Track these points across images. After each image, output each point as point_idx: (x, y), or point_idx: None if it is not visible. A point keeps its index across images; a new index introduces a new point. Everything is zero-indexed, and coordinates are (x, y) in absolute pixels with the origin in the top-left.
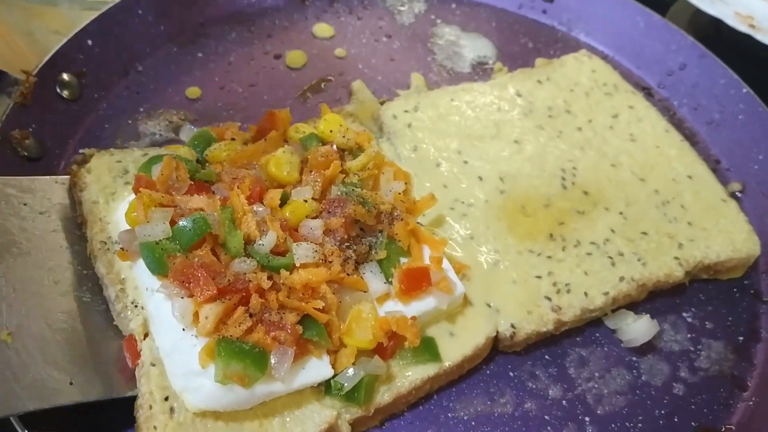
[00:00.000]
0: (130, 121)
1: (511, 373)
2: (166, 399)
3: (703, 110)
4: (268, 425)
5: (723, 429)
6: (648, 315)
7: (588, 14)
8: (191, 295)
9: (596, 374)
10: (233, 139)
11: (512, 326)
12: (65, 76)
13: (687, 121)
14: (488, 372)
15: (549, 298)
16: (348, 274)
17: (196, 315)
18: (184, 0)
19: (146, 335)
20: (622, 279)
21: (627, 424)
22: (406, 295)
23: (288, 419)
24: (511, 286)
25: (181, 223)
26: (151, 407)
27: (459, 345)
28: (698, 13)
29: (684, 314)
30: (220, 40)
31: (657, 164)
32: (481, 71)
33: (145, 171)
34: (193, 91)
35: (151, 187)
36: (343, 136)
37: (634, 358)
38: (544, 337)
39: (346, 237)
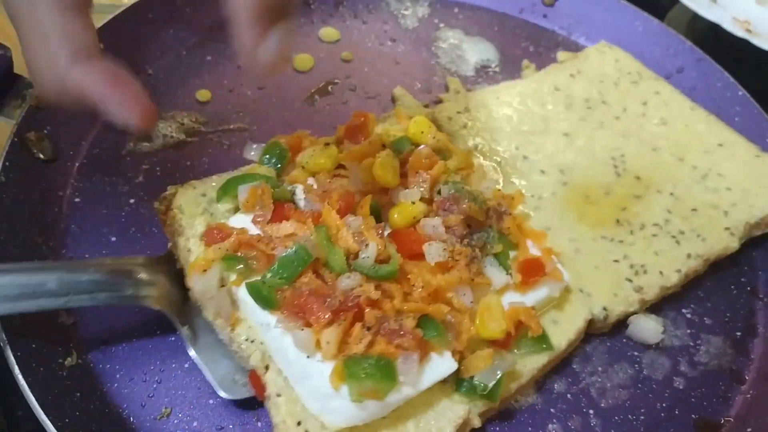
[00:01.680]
0: None
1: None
2: (299, 424)
3: None
4: (402, 428)
5: (722, 421)
6: (654, 315)
7: (588, 19)
8: (308, 324)
9: (599, 369)
10: (327, 144)
11: (604, 309)
12: None
13: None
14: None
15: (630, 280)
16: (473, 273)
17: (317, 341)
18: (193, 4)
19: (267, 367)
20: (689, 256)
21: (630, 416)
22: (525, 285)
23: (421, 419)
24: (594, 271)
25: (283, 255)
26: None
27: (563, 331)
28: (696, 17)
29: (684, 310)
30: (229, 43)
31: (690, 142)
32: (484, 74)
33: (228, 199)
34: (203, 94)
35: (224, 236)
36: (433, 137)
37: (636, 353)
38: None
39: (465, 233)
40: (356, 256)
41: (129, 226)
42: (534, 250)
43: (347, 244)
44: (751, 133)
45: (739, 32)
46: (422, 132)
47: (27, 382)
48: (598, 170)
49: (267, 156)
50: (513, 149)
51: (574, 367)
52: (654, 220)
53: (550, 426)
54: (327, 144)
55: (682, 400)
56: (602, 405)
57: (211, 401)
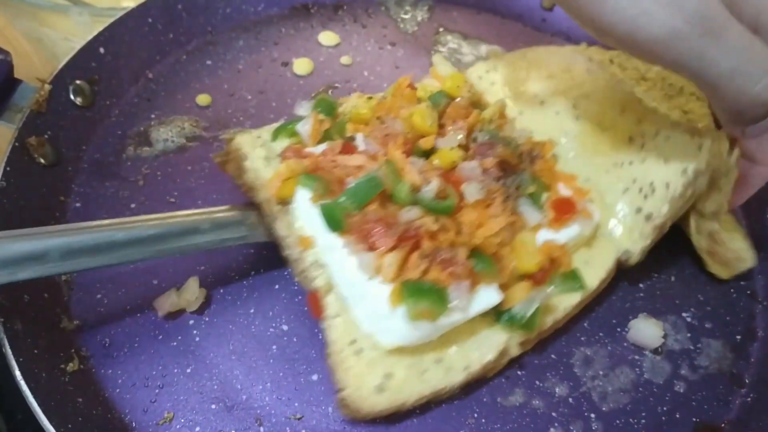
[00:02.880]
0: (142, 128)
1: (518, 372)
2: (353, 342)
3: None
4: (446, 353)
5: (722, 424)
6: (654, 319)
7: None
8: (372, 248)
9: (601, 373)
10: (370, 97)
11: (626, 251)
12: (79, 84)
13: None
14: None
15: (639, 210)
16: (508, 211)
17: (378, 264)
18: (193, 8)
19: (328, 290)
20: (700, 148)
21: (631, 420)
22: (557, 222)
23: (465, 345)
24: (610, 210)
25: (356, 182)
26: (341, 352)
27: (595, 270)
28: None
29: (684, 314)
30: (228, 47)
31: None
32: None
33: (284, 135)
34: (203, 98)
35: (301, 156)
36: (469, 91)
37: (637, 357)
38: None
39: (501, 175)
40: (418, 191)
41: None
42: (565, 191)
43: (412, 178)
44: None
45: None
46: (458, 86)
47: (29, 388)
48: (615, 86)
49: (318, 108)
50: (532, 97)
51: (576, 371)
52: (674, 117)
53: (551, 430)
54: (370, 98)
55: (682, 403)
56: (603, 409)
57: (213, 406)
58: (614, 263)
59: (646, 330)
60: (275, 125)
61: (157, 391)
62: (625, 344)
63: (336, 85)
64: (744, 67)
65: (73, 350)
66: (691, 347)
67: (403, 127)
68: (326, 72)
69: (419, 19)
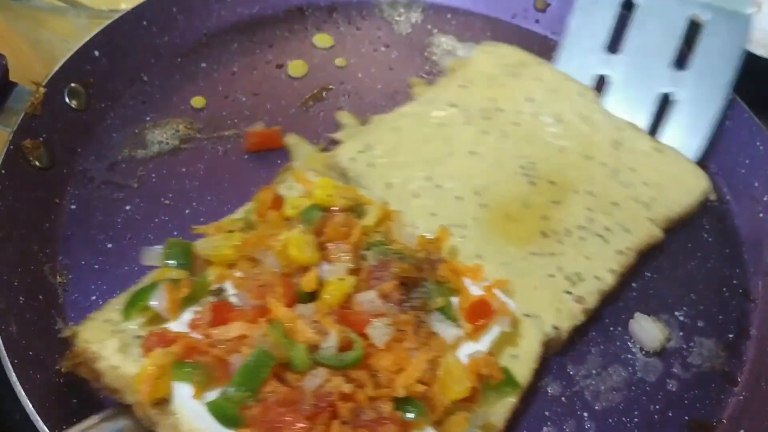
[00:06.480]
0: (137, 131)
1: None
2: None
3: None
4: None
5: (714, 423)
6: (662, 325)
7: None
8: None
9: (593, 372)
10: (230, 231)
11: (555, 327)
12: (74, 86)
13: None
14: None
15: (569, 292)
16: (423, 338)
17: None
18: (187, 11)
19: None
20: (619, 252)
21: (624, 419)
22: (477, 331)
23: None
24: (534, 292)
25: (244, 364)
26: None
27: (524, 362)
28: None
29: (676, 313)
30: (223, 50)
31: (592, 136)
32: None
33: (137, 313)
34: (198, 101)
35: (166, 342)
36: (342, 197)
37: (630, 356)
38: None
39: (403, 296)
40: (317, 348)
41: (125, 233)
42: (474, 290)
43: (306, 337)
44: (742, 137)
45: None
46: (329, 195)
47: (25, 390)
48: (512, 183)
49: (170, 256)
50: (424, 180)
51: (569, 370)
52: (578, 223)
53: (544, 429)
54: (230, 231)
55: (675, 402)
56: (596, 408)
57: None
58: (541, 347)
59: (651, 332)
60: (123, 296)
61: None
62: (618, 343)
63: (330, 86)
64: None
65: (68, 352)
66: (684, 346)
67: (277, 263)
68: (320, 74)
69: (413, 21)
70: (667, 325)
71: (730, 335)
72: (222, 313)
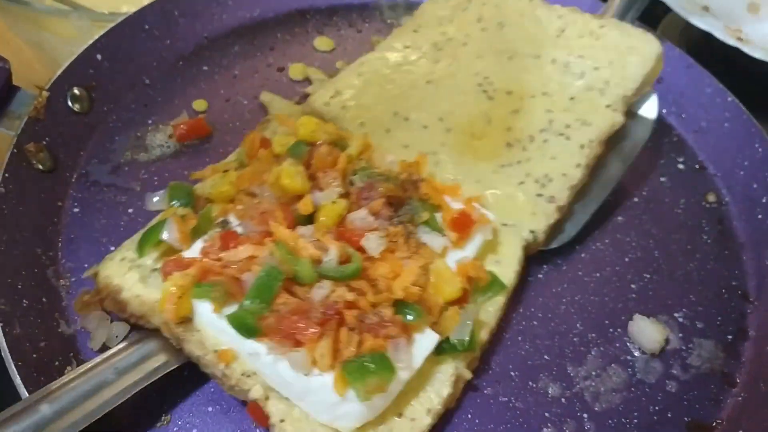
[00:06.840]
0: (138, 134)
1: (512, 373)
2: None
3: (690, 118)
4: (405, 406)
5: (714, 424)
6: (662, 326)
7: None
8: (298, 345)
9: (593, 373)
10: (226, 170)
11: (531, 231)
12: (76, 90)
13: (675, 128)
14: (490, 372)
15: (540, 195)
16: (413, 247)
17: (311, 357)
18: (189, 14)
19: (267, 397)
20: (583, 146)
21: (623, 420)
22: (461, 240)
23: (420, 392)
24: (508, 201)
25: (256, 279)
26: None
27: (507, 266)
28: (689, 26)
29: (675, 314)
30: (224, 53)
31: (536, 34)
32: None
33: (151, 247)
34: (199, 104)
35: (183, 266)
36: (325, 132)
37: (629, 357)
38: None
39: (392, 213)
40: (320, 263)
41: (127, 236)
42: (455, 204)
43: (309, 252)
44: (741, 139)
45: (731, 40)
46: (313, 131)
47: (28, 392)
48: (472, 102)
49: (173, 199)
50: (392, 115)
51: (568, 371)
52: (539, 126)
53: (544, 430)
54: (225, 171)
55: (674, 403)
56: (596, 409)
57: (209, 408)
58: (522, 251)
59: (650, 333)
60: (136, 236)
61: (154, 394)
62: (618, 344)
63: None
64: None
65: (71, 354)
66: (683, 347)
67: (274, 195)
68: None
69: None
70: (667, 327)
71: (729, 336)
72: (230, 240)
